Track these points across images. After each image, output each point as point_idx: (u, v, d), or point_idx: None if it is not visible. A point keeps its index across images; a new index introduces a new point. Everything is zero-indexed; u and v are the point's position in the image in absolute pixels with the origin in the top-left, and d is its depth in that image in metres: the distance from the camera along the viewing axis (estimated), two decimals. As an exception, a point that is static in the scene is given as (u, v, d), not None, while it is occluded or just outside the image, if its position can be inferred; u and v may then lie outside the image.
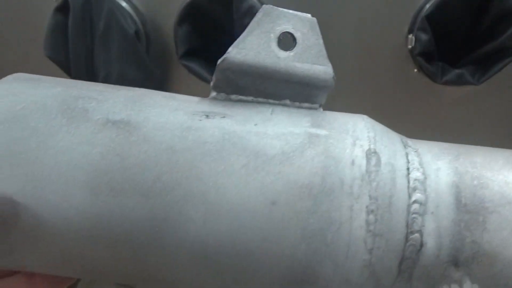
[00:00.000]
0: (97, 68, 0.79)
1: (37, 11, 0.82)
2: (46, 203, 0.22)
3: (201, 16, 0.77)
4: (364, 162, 0.22)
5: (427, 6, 0.74)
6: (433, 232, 0.22)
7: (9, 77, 0.27)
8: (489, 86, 0.80)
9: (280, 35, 0.26)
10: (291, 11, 0.27)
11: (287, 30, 0.26)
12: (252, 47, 0.26)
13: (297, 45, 0.26)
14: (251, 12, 0.74)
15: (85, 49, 0.78)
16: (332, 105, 0.96)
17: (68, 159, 0.22)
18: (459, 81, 0.77)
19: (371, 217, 0.21)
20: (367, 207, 0.22)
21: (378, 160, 0.23)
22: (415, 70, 0.80)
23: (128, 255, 0.23)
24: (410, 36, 0.76)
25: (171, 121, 0.24)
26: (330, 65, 0.27)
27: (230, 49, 0.26)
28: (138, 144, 0.23)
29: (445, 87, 0.80)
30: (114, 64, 0.78)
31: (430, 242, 0.22)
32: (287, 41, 0.26)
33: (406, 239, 0.22)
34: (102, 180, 0.22)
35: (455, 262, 0.22)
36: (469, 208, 0.22)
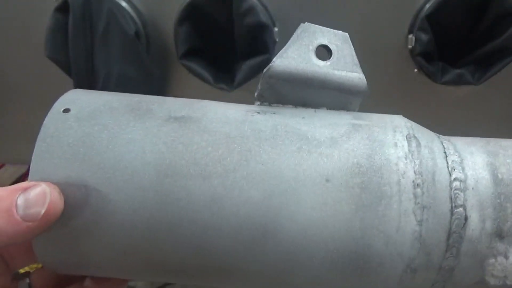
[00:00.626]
0: (97, 68, 0.79)
1: (37, 11, 0.82)
2: (115, 185, 0.24)
3: (201, 16, 0.77)
4: (405, 144, 0.25)
5: (427, 6, 0.74)
6: (476, 206, 0.23)
7: (70, 91, 0.29)
8: (489, 86, 0.80)
9: (317, 47, 0.29)
10: (326, 28, 0.30)
11: (323, 43, 0.29)
12: (294, 57, 0.29)
13: (332, 55, 0.29)
14: (251, 12, 0.74)
15: (85, 49, 0.78)
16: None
17: (136, 148, 0.25)
18: (459, 81, 0.77)
19: (418, 190, 0.23)
20: (413, 181, 0.23)
21: (418, 143, 0.25)
22: (415, 70, 0.80)
23: (188, 238, 0.24)
24: (410, 36, 0.76)
25: (227, 117, 0.27)
26: (363, 73, 0.30)
27: (274, 59, 0.29)
28: (199, 134, 0.25)
29: (445, 87, 0.80)
30: (114, 64, 0.78)
31: (473, 216, 0.23)
32: (324, 54, 0.29)
33: (452, 213, 0.23)
34: (168, 165, 0.24)
35: (500, 233, 0.23)
36: (506, 182, 0.23)
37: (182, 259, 0.25)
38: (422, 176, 0.24)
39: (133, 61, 0.79)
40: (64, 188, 0.24)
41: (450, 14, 0.75)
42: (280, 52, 0.29)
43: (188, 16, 0.77)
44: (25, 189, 0.23)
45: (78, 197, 0.24)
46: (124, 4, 0.79)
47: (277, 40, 0.78)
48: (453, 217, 0.23)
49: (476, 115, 0.86)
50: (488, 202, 0.23)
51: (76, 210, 0.24)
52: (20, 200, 0.23)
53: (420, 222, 0.23)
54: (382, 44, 0.80)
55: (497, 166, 0.24)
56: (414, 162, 0.24)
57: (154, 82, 0.83)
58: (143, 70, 0.80)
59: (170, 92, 0.86)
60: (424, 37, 0.75)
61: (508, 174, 0.24)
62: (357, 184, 0.24)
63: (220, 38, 0.80)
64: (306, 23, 0.30)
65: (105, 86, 0.80)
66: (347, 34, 0.31)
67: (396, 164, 0.24)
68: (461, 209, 0.23)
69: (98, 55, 0.79)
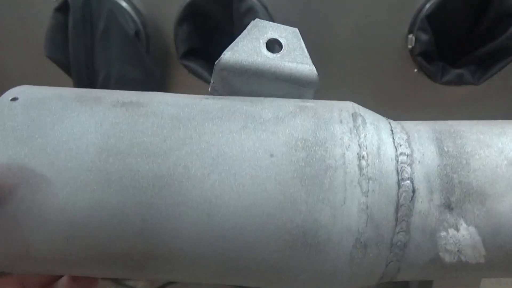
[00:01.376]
0: (97, 68, 0.79)
1: (37, 11, 0.82)
2: (58, 167, 0.24)
3: (201, 16, 0.77)
4: (351, 120, 0.25)
5: (427, 6, 0.74)
6: (423, 178, 0.23)
7: (21, 86, 0.30)
8: (489, 86, 0.80)
9: (268, 40, 0.30)
10: (276, 24, 0.31)
11: (274, 37, 0.30)
12: (245, 50, 0.29)
13: (282, 48, 0.30)
14: (251, 12, 0.74)
15: (85, 49, 0.79)
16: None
17: (80, 130, 0.24)
18: (459, 81, 0.77)
19: (363, 162, 0.23)
20: (358, 153, 0.24)
21: (364, 120, 0.25)
22: (415, 70, 0.80)
23: (132, 219, 0.24)
24: (410, 36, 0.76)
25: (175, 101, 0.27)
26: (313, 65, 0.30)
27: (225, 51, 0.29)
28: (146, 116, 0.25)
29: (445, 87, 0.80)
30: (114, 64, 0.78)
31: (421, 188, 0.23)
32: (274, 48, 0.30)
33: (399, 185, 0.23)
34: (112, 145, 0.24)
35: (448, 204, 0.23)
36: (452, 154, 0.24)
37: (127, 244, 0.24)
38: (366, 149, 0.24)
39: (133, 61, 0.79)
40: (2, 171, 0.23)
41: (450, 14, 0.75)
42: (231, 45, 0.29)
43: (188, 16, 0.77)
44: None
45: (18, 180, 0.23)
46: (124, 4, 0.79)
47: (277, 40, 0.78)
48: (401, 190, 0.23)
49: (476, 115, 0.86)
50: (435, 174, 0.23)
51: (16, 192, 0.23)
52: None
53: (366, 193, 0.23)
54: (382, 44, 0.80)
55: (443, 140, 0.25)
56: (359, 136, 0.25)
57: (154, 82, 0.83)
58: (143, 70, 0.80)
59: (170, 92, 0.86)
60: (424, 37, 0.75)
61: (454, 147, 0.24)
62: (302, 158, 0.24)
63: (220, 38, 0.80)
64: (256, 19, 0.31)
65: (105, 86, 0.80)
66: (297, 29, 0.32)
67: (341, 139, 0.24)
68: (408, 181, 0.23)
69: (98, 55, 0.79)
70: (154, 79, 0.83)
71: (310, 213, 0.23)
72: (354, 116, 0.26)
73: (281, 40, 0.30)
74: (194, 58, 0.80)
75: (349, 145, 0.24)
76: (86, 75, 0.80)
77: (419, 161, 0.24)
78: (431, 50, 0.76)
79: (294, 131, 0.25)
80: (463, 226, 0.22)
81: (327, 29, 0.80)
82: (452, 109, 0.85)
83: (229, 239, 0.23)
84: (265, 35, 0.30)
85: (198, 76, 0.80)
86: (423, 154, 0.24)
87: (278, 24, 0.31)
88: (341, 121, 0.25)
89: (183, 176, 0.23)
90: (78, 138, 0.24)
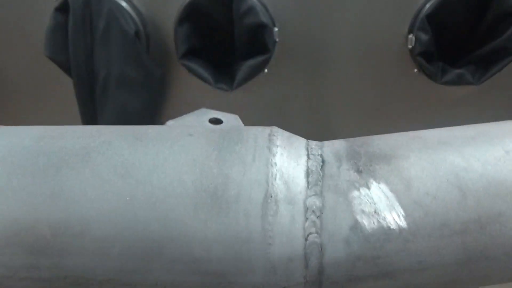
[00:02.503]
0: (97, 68, 0.80)
1: (37, 11, 0.82)
2: None
3: (201, 16, 0.77)
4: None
5: (427, 6, 0.74)
6: (332, 154, 0.25)
7: None
8: (489, 86, 0.80)
9: (210, 118, 0.34)
10: (220, 111, 0.36)
11: (216, 116, 0.35)
12: (190, 121, 0.33)
13: (223, 123, 0.35)
14: (251, 12, 0.74)
15: (85, 49, 0.79)
16: (333, 105, 0.96)
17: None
18: (459, 81, 0.77)
19: (273, 137, 0.25)
20: (268, 133, 0.25)
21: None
22: (415, 70, 0.80)
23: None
24: (410, 36, 0.76)
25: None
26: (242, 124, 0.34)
27: (168, 122, 0.33)
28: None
29: (445, 87, 0.80)
30: (114, 64, 0.78)
31: (330, 159, 0.25)
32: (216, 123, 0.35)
33: (308, 156, 0.25)
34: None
35: (356, 168, 0.24)
36: (357, 143, 0.26)
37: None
38: (278, 131, 0.26)
39: (133, 61, 0.79)
40: None
41: (450, 14, 0.75)
42: (177, 118, 0.33)
43: (188, 16, 0.77)
44: None
45: None
46: (124, 4, 0.79)
47: (277, 40, 0.79)
48: (310, 160, 0.25)
49: (476, 115, 0.86)
50: (343, 150, 0.25)
51: None
52: None
53: (274, 154, 0.24)
54: (382, 44, 0.80)
55: (351, 141, 0.27)
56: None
57: (154, 82, 0.83)
58: (143, 70, 0.81)
59: (170, 92, 0.86)
60: (424, 37, 0.75)
61: (358, 141, 0.26)
62: (217, 135, 0.25)
63: (220, 38, 0.80)
64: (202, 108, 0.36)
65: (105, 86, 0.80)
66: (237, 115, 0.36)
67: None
68: (318, 156, 0.25)
69: (98, 55, 0.79)
70: (154, 79, 0.83)
71: (222, 169, 0.23)
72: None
73: (222, 118, 0.35)
74: (194, 58, 0.80)
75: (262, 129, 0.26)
76: (86, 75, 0.80)
77: (328, 146, 0.26)
78: (431, 50, 0.76)
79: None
80: (373, 184, 0.23)
81: (327, 29, 0.80)
82: (452, 109, 0.86)
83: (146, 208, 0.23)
84: (209, 115, 0.34)
85: (198, 76, 0.80)
86: (332, 144, 0.26)
87: (221, 112, 0.36)
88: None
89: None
90: None
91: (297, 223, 0.23)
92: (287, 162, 0.24)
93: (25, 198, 0.23)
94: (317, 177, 0.24)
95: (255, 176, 0.23)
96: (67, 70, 0.81)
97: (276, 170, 0.24)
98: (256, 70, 0.79)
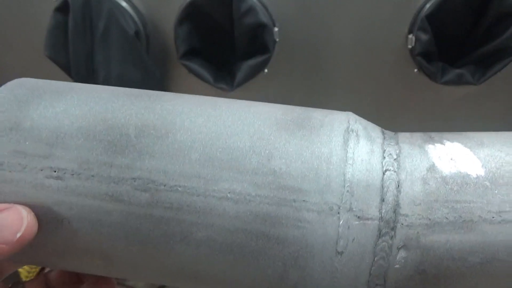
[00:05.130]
0: (97, 68, 0.79)
1: (37, 11, 0.82)
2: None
3: (201, 16, 0.77)
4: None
5: (427, 6, 0.74)
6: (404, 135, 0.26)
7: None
8: (489, 86, 0.80)
9: None
10: None
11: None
12: None
13: None
14: (251, 12, 0.74)
15: (85, 49, 0.79)
16: (333, 105, 0.96)
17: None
18: (459, 81, 0.77)
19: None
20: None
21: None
22: (415, 70, 0.80)
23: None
24: (410, 36, 0.76)
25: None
26: None
27: None
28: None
29: (445, 87, 0.80)
30: (114, 64, 0.78)
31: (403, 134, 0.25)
32: None
33: (382, 131, 0.25)
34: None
35: (429, 136, 0.24)
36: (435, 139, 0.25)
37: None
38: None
39: (133, 61, 0.79)
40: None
41: (450, 14, 0.75)
42: None
43: (188, 16, 0.77)
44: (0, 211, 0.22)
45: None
46: (124, 4, 0.79)
47: (277, 40, 0.79)
48: (384, 132, 0.25)
49: (476, 115, 0.86)
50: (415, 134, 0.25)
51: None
52: None
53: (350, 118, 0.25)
54: (382, 44, 0.80)
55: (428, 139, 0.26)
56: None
57: (154, 82, 0.83)
58: (143, 70, 0.81)
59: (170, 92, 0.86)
60: (424, 37, 0.75)
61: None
62: (292, 121, 0.25)
63: (220, 38, 0.80)
64: None
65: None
66: None
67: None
68: (391, 132, 0.25)
69: (98, 55, 0.79)
70: (154, 79, 0.83)
71: (304, 111, 0.25)
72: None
73: None
74: (194, 58, 0.80)
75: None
76: (86, 75, 0.80)
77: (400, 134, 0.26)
78: (431, 50, 0.76)
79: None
80: (447, 142, 0.23)
81: (327, 29, 0.80)
82: (451, 109, 0.86)
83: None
84: None
85: (198, 76, 0.80)
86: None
87: None
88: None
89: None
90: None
91: (375, 157, 0.23)
92: (364, 123, 0.25)
93: (120, 104, 0.25)
94: (391, 135, 0.25)
95: (337, 116, 0.25)
96: (67, 70, 0.81)
97: (356, 119, 0.25)
98: (256, 70, 0.79)
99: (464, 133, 0.25)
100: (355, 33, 0.80)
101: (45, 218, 0.23)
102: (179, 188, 0.22)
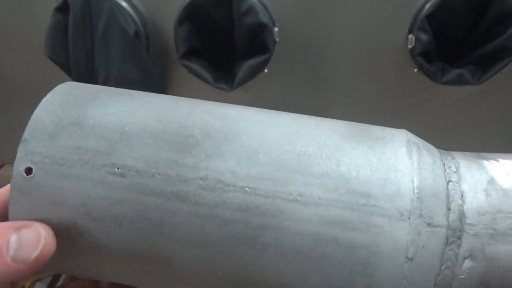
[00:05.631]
0: (97, 68, 0.79)
1: (37, 11, 0.82)
2: None
3: (201, 16, 0.77)
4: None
5: (427, 6, 0.74)
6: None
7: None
8: (489, 86, 0.80)
9: None
10: None
11: None
12: None
13: None
14: (251, 12, 0.74)
15: (85, 49, 0.79)
16: (333, 105, 0.96)
17: None
18: (459, 81, 0.77)
19: None
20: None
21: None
22: (415, 70, 0.80)
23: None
24: (410, 36, 0.76)
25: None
26: None
27: None
28: None
29: (445, 87, 0.80)
30: (114, 64, 0.78)
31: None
32: None
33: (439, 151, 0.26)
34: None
35: (482, 155, 0.25)
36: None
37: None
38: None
39: (133, 61, 0.79)
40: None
41: (450, 14, 0.75)
42: None
43: (188, 16, 0.77)
44: (18, 228, 0.22)
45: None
46: (124, 4, 0.79)
47: (277, 40, 0.79)
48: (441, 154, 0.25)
49: (476, 115, 0.86)
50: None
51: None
52: (13, 240, 0.21)
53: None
54: (382, 44, 0.80)
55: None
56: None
57: (154, 82, 0.83)
58: (143, 70, 0.81)
59: (170, 92, 0.86)
60: (424, 37, 0.75)
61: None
62: (354, 131, 0.25)
63: (220, 38, 0.80)
64: None
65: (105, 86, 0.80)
66: None
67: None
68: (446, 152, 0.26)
69: (98, 55, 0.79)
70: (154, 79, 0.83)
71: (364, 126, 0.25)
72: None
73: None
74: (194, 58, 0.80)
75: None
76: (86, 75, 0.80)
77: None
78: (431, 50, 0.76)
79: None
80: (501, 160, 0.24)
81: (327, 29, 0.80)
82: (452, 109, 0.86)
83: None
84: None
85: (198, 76, 0.80)
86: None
87: None
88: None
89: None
90: None
91: (438, 168, 0.23)
92: (420, 139, 0.26)
93: (181, 107, 0.25)
94: (445, 151, 0.25)
95: (395, 131, 0.25)
96: (67, 70, 0.81)
97: (412, 135, 0.25)
98: (256, 70, 0.79)
99: None
100: (355, 33, 0.80)
101: (102, 217, 0.22)
102: (247, 189, 0.22)
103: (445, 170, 0.23)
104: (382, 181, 0.22)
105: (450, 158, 0.24)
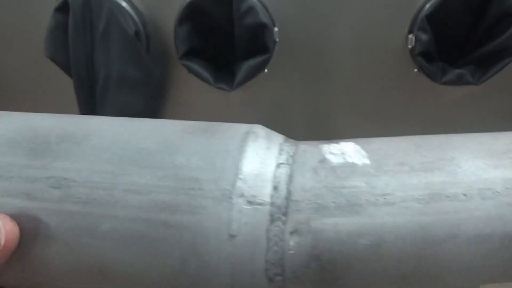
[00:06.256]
0: (97, 68, 0.79)
1: (37, 11, 0.82)
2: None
3: (201, 16, 0.77)
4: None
5: (427, 6, 0.74)
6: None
7: None
8: (489, 86, 0.80)
9: None
10: None
11: None
12: None
13: None
14: (251, 12, 0.74)
15: (85, 49, 0.79)
16: (333, 105, 0.96)
17: None
18: (459, 81, 0.77)
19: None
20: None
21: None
22: (415, 70, 0.80)
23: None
24: (410, 36, 0.76)
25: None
26: None
27: None
28: None
29: (445, 87, 0.80)
30: (114, 64, 0.78)
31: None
32: None
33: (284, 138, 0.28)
34: None
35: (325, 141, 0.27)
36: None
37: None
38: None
39: (133, 61, 0.79)
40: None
41: (450, 14, 0.75)
42: None
43: (188, 16, 0.77)
44: None
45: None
46: (124, 4, 0.79)
47: (277, 40, 0.79)
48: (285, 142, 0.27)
49: (476, 115, 0.86)
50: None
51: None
52: None
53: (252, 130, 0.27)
54: (382, 44, 0.80)
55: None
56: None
57: (154, 82, 0.83)
58: (143, 70, 0.81)
59: (170, 92, 0.86)
60: (424, 37, 0.75)
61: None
62: (199, 128, 0.27)
63: (220, 38, 0.80)
64: None
65: (105, 86, 0.80)
66: None
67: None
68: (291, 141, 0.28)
69: (98, 55, 0.79)
70: (154, 79, 0.83)
71: (208, 125, 0.27)
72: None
73: None
74: (194, 58, 0.80)
75: None
76: (86, 75, 0.80)
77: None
78: (431, 50, 0.76)
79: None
80: (341, 142, 0.26)
81: (327, 29, 0.80)
82: (452, 109, 0.86)
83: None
84: None
85: (198, 76, 0.80)
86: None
87: None
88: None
89: None
90: None
91: (271, 153, 0.25)
92: (269, 131, 0.28)
93: (45, 118, 0.28)
94: (295, 141, 0.27)
95: (244, 125, 0.27)
96: (67, 70, 0.81)
97: (262, 128, 0.27)
98: (256, 70, 0.79)
99: (361, 138, 0.27)
100: (355, 33, 0.80)
101: None
102: (88, 184, 0.24)
103: (280, 155, 0.25)
104: (210, 166, 0.24)
105: (292, 144, 0.26)
